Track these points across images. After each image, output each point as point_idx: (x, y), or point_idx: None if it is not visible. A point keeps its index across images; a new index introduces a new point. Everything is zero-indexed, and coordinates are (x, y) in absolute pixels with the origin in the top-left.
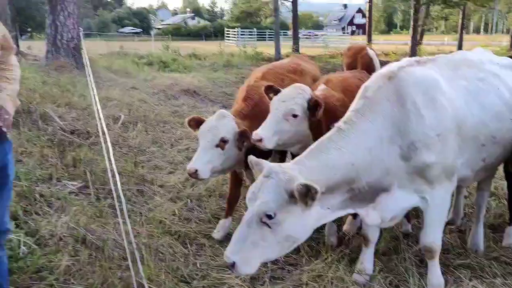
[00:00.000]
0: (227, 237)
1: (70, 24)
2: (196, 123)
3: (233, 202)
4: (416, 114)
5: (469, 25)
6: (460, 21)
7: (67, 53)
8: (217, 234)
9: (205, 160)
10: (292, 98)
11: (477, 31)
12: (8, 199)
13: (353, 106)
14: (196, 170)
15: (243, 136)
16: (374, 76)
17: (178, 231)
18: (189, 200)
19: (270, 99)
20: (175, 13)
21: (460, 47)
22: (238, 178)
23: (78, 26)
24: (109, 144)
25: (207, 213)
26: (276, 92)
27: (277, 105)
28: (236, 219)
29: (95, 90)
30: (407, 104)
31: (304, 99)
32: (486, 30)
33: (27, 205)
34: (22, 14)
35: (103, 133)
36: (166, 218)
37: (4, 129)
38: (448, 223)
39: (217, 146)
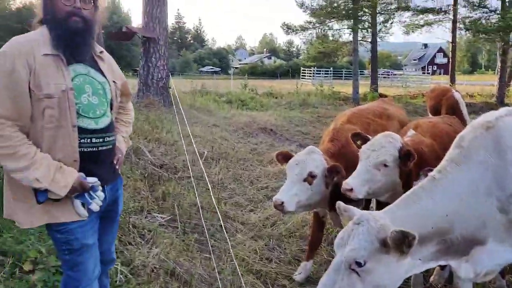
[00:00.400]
0: (307, 280)
1: (160, 65)
2: (284, 157)
3: (315, 245)
4: None
5: None
6: None
7: (156, 91)
8: (298, 276)
9: (292, 193)
10: (383, 147)
11: None
12: (116, 232)
13: (447, 155)
14: (283, 202)
15: (333, 172)
16: (470, 125)
17: (259, 270)
18: (269, 240)
19: (357, 146)
20: (252, 52)
21: None
22: (320, 221)
23: (167, 67)
24: (192, 180)
25: (287, 254)
26: (364, 139)
27: (368, 154)
28: (316, 262)
29: (187, 128)
30: (506, 155)
31: (395, 148)
32: None
33: (122, 235)
34: (113, 53)
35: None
36: (248, 256)
37: (117, 167)
38: None
39: (304, 180)
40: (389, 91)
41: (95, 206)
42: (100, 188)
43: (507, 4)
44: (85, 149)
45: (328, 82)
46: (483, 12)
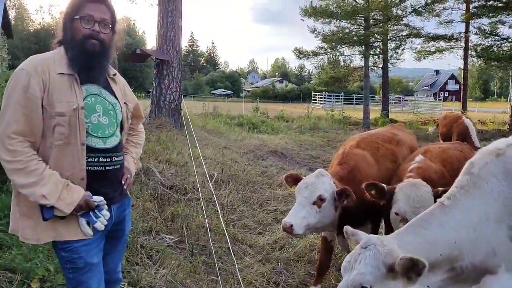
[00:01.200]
0: None
1: (173, 87)
2: (293, 180)
3: (323, 270)
4: None
5: None
6: None
7: (168, 113)
8: None
9: (301, 215)
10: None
11: None
12: (123, 251)
13: (457, 181)
14: (292, 225)
15: (343, 195)
16: (480, 152)
17: None
18: (277, 263)
19: (371, 196)
20: (264, 76)
21: None
22: (329, 246)
23: (179, 89)
24: (202, 202)
25: (295, 279)
26: (379, 190)
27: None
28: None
29: (198, 149)
30: None
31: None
32: None
33: (129, 256)
34: (127, 74)
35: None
36: (255, 280)
37: (125, 187)
38: None
39: (314, 203)
40: (400, 116)
41: (100, 225)
42: (106, 207)
43: None
44: (92, 168)
45: (339, 107)
46: (495, 40)
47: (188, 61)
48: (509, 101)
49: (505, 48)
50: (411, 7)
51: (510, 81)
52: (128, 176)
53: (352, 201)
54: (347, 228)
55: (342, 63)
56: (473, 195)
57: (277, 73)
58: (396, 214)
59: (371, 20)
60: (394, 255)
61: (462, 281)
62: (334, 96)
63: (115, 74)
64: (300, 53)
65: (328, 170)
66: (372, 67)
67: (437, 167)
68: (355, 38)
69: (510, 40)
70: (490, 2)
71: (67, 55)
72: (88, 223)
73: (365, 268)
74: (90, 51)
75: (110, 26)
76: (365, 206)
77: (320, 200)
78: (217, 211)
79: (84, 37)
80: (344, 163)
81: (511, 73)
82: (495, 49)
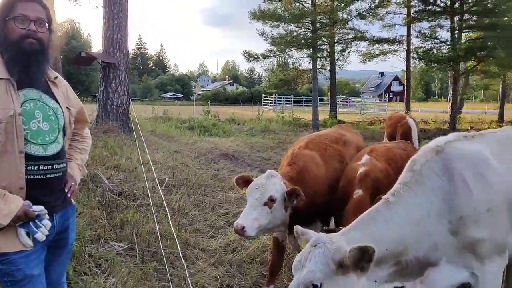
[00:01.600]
0: None
1: (120, 91)
2: (244, 181)
3: (275, 270)
4: (464, 189)
5: (510, 93)
6: (500, 90)
7: (116, 117)
8: None
9: (253, 217)
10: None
11: None
12: (67, 261)
13: (400, 178)
14: (244, 227)
15: (293, 195)
16: (422, 149)
17: None
18: (230, 266)
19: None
20: (214, 79)
21: (501, 117)
22: (280, 246)
23: (127, 93)
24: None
25: (248, 280)
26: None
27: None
28: None
29: (147, 154)
30: (455, 178)
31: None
32: None
33: (77, 265)
34: (72, 78)
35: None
36: (208, 284)
37: (69, 195)
38: None
39: (265, 204)
40: (347, 117)
41: (41, 235)
42: (47, 216)
43: (456, 36)
44: (32, 176)
45: (289, 109)
46: (435, 43)
47: (136, 64)
48: (449, 101)
49: (444, 51)
50: (356, 11)
51: (449, 82)
52: (72, 183)
53: (301, 200)
54: (297, 228)
55: (291, 66)
56: (415, 192)
57: (227, 76)
58: None
59: (318, 23)
60: (342, 251)
61: (407, 275)
62: (284, 98)
63: (56, 77)
64: (250, 56)
65: (278, 171)
66: (320, 69)
67: (382, 166)
68: (302, 41)
69: (448, 43)
70: (429, 7)
71: (2, 58)
72: (28, 234)
73: (315, 266)
74: (27, 51)
75: (47, 24)
76: (315, 206)
77: (271, 201)
78: (168, 216)
79: (21, 37)
80: (293, 163)
81: (449, 75)
82: (435, 51)
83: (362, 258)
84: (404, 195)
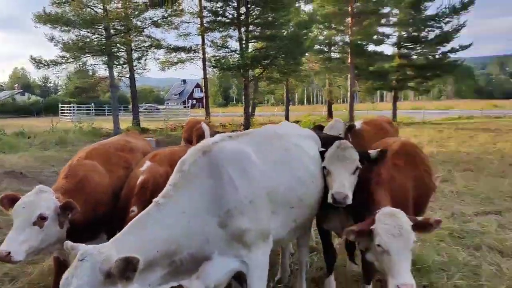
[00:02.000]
0: None
1: None
2: (10, 201)
3: None
4: (230, 184)
5: (294, 97)
6: (285, 94)
7: None
8: None
9: (20, 239)
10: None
11: (301, 102)
12: None
13: (171, 180)
14: (9, 253)
15: (66, 209)
16: (190, 150)
17: None
18: None
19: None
20: (1, 88)
21: (287, 117)
22: (62, 265)
23: None
24: None
25: None
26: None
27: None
28: None
29: None
30: (221, 176)
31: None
32: (309, 101)
33: None
34: None
35: None
36: None
37: None
38: (277, 282)
39: (34, 224)
40: (151, 124)
41: None
42: None
43: (244, 45)
44: None
45: (90, 118)
46: (226, 52)
47: None
48: (243, 105)
49: (234, 59)
50: (150, 19)
51: (243, 88)
52: None
53: (77, 212)
54: (67, 243)
55: (90, 73)
56: (184, 191)
57: (17, 85)
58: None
59: (112, 29)
60: (111, 260)
61: (182, 273)
62: (85, 107)
63: None
64: (39, 63)
65: (54, 185)
66: (118, 77)
67: (163, 170)
68: (96, 47)
69: (237, 52)
70: (219, 18)
71: None
72: None
73: (82, 280)
74: None
75: None
76: (97, 216)
77: (41, 219)
78: None
79: None
80: (69, 175)
81: (242, 81)
82: (227, 59)
83: (127, 268)
84: (174, 195)
